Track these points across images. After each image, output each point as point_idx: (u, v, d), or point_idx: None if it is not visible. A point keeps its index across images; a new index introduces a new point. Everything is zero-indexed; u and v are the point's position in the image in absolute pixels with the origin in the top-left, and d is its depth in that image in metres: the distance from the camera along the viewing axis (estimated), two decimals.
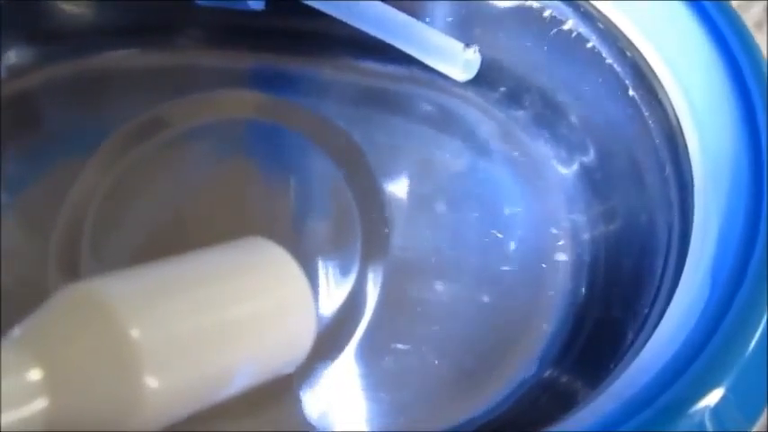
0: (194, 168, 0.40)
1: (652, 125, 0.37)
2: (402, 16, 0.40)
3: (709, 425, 0.25)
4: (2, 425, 0.24)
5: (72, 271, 0.36)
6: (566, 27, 0.40)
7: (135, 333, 0.26)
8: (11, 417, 0.24)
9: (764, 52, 0.35)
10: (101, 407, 0.26)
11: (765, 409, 0.26)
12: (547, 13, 0.40)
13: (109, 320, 0.26)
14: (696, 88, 0.35)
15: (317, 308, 0.32)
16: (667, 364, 0.27)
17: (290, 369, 0.32)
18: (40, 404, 0.25)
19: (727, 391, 0.26)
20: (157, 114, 0.41)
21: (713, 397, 0.26)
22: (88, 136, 0.40)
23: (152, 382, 0.26)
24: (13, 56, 0.42)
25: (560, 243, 0.39)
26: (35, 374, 0.25)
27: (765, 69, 0.34)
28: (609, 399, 0.27)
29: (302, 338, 0.31)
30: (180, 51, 0.44)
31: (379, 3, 0.40)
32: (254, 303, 0.30)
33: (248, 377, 0.30)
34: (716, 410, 0.25)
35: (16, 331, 0.26)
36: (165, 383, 0.26)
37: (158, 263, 0.30)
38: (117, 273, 0.29)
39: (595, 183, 0.41)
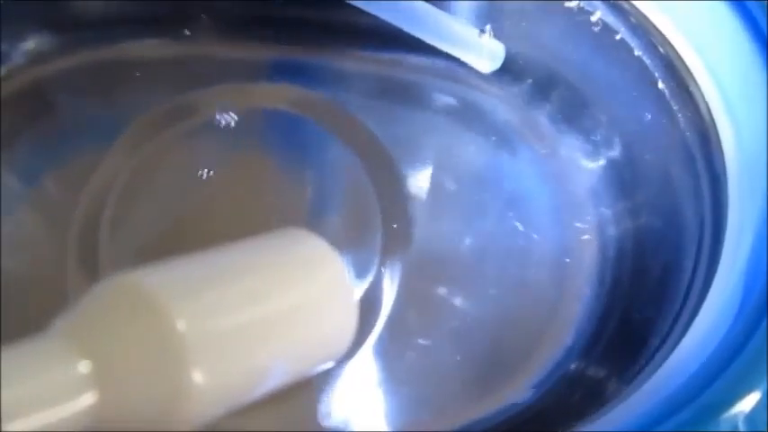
0: (213, 160, 0.40)
1: (682, 118, 0.37)
2: (425, 6, 0.40)
3: (742, 429, 0.25)
4: (53, 421, 0.23)
5: (91, 262, 0.36)
6: (594, 18, 0.40)
7: (181, 325, 0.25)
8: (62, 412, 0.24)
9: None
10: (147, 400, 0.25)
11: None
12: (574, 4, 0.40)
13: (155, 312, 0.25)
14: (730, 80, 0.35)
15: None
16: (703, 366, 0.27)
17: (331, 362, 0.32)
18: (89, 398, 0.24)
19: (764, 395, 0.25)
20: (177, 105, 0.41)
21: (749, 401, 0.25)
22: (106, 126, 0.40)
23: (198, 375, 0.25)
24: (30, 44, 0.42)
25: (585, 238, 0.39)
26: (84, 367, 0.24)
27: None
28: (643, 397, 0.27)
29: (344, 331, 0.31)
30: (200, 42, 0.44)
31: None
32: (297, 296, 0.30)
33: (292, 371, 0.30)
34: (751, 415, 0.25)
35: (58, 323, 0.26)
36: (211, 377, 0.26)
37: (199, 254, 0.30)
38: (160, 264, 0.28)
39: (622, 177, 0.40)
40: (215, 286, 0.28)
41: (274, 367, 0.29)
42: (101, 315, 0.26)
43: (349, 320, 0.31)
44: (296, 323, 0.29)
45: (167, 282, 0.27)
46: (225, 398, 0.27)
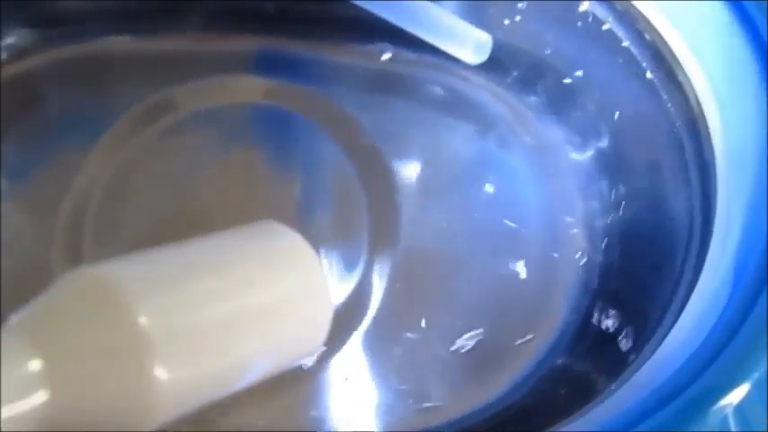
0: (200, 155, 0.39)
1: (671, 109, 0.36)
2: None
3: (732, 422, 0.25)
4: (0, 421, 0.23)
5: (76, 257, 0.35)
6: (581, 9, 0.39)
7: (144, 321, 0.25)
8: (9, 411, 0.23)
9: None
10: (106, 399, 0.25)
11: None
12: None
13: (116, 307, 0.25)
14: (718, 70, 0.35)
15: None
16: (691, 358, 0.26)
17: (306, 358, 0.32)
18: (40, 397, 0.24)
19: (753, 387, 0.25)
20: (163, 100, 0.41)
21: (737, 393, 0.25)
22: (91, 121, 0.40)
23: (162, 372, 0.25)
24: (13, 39, 0.41)
25: (574, 231, 0.39)
26: (34, 365, 0.24)
27: None
28: (630, 391, 0.26)
29: (318, 326, 0.31)
30: (185, 35, 0.43)
31: None
32: (268, 290, 0.29)
33: (263, 367, 0.29)
34: (740, 407, 0.25)
35: (15, 318, 0.25)
36: (176, 374, 0.25)
37: (168, 247, 0.29)
38: (124, 257, 0.28)
39: (611, 168, 0.40)
40: (182, 280, 0.27)
41: (246, 363, 0.28)
42: (58, 310, 0.25)
43: (323, 315, 0.31)
44: (268, 317, 0.29)
45: (132, 276, 0.26)
46: (192, 396, 0.27)
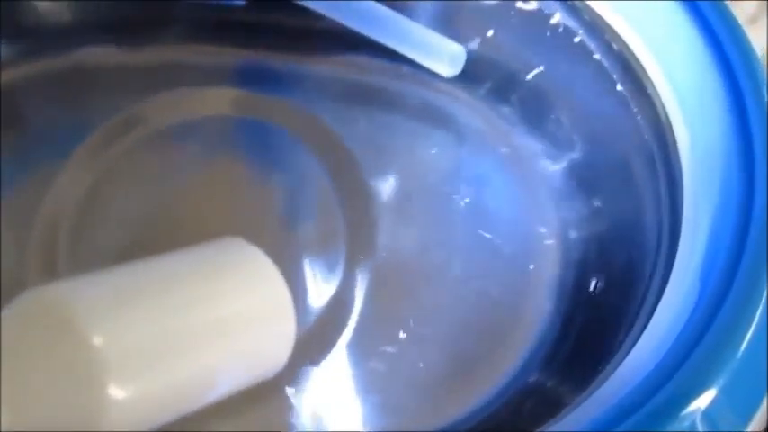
0: (177, 167, 0.39)
1: (641, 120, 0.37)
2: (386, 11, 0.40)
3: (701, 427, 0.25)
4: None
5: (51, 272, 0.35)
6: (553, 21, 0.40)
7: (98, 340, 0.25)
8: None
9: (763, 47, 0.34)
10: (62, 421, 0.24)
11: (761, 409, 0.26)
12: (533, 7, 0.40)
13: (69, 327, 0.25)
14: (685, 82, 0.35)
15: (297, 311, 0.31)
16: (657, 366, 0.26)
17: (268, 375, 0.31)
18: None
19: (720, 392, 0.25)
20: (140, 112, 0.41)
21: (705, 399, 0.25)
22: (68, 134, 0.40)
23: (117, 392, 0.25)
24: None
25: (548, 242, 0.39)
26: None
27: (756, 63, 0.34)
28: (596, 403, 0.26)
29: (281, 343, 0.30)
30: (162, 48, 0.43)
31: None
32: (228, 307, 0.29)
33: (224, 384, 0.29)
34: (708, 412, 0.25)
35: None
36: (131, 394, 0.25)
37: (127, 265, 0.29)
38: (81, 276, 0.28)
39: (584, 180, 0.40)
40: (139, 298, 0.27)
41: (206, 380, 0.28)
42: (9, 330, 0.25)
43: (286, 331, 0.30)
44: (228, 334, 0.28)
45: (85, 294, 0.26)
46: (150, 415, 0.27)
